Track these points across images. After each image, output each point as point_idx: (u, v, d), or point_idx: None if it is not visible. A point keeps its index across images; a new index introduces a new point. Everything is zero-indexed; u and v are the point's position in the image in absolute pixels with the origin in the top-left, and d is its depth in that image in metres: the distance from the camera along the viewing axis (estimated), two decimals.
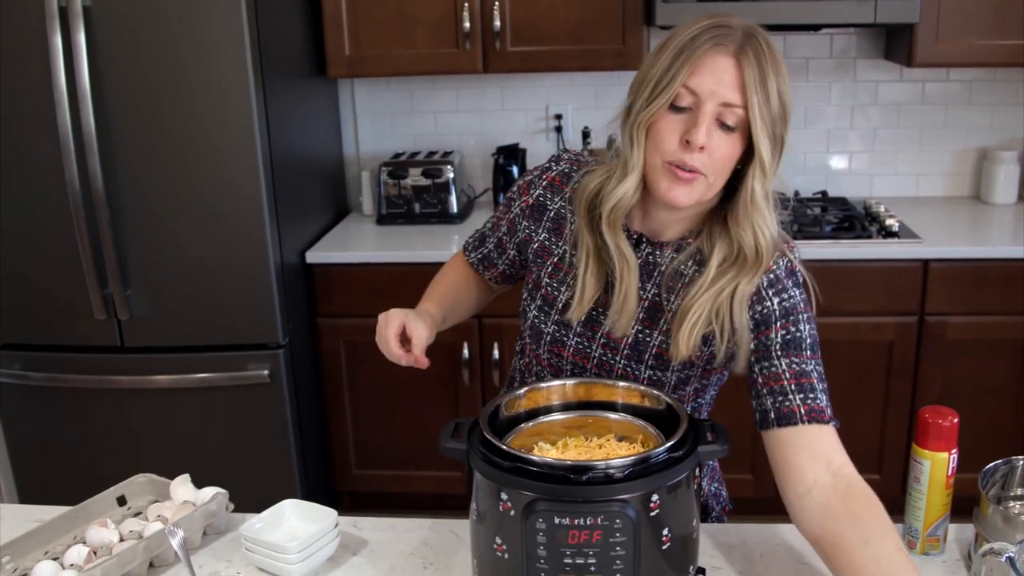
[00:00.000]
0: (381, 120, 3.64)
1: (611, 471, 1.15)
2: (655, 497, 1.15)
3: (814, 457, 1.33)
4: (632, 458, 1.16)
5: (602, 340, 1.52)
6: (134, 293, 2.84)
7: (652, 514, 1.16)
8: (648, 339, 1.49)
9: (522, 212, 1.58)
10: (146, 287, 2.84)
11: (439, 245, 3.14)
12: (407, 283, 3.06)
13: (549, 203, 1.56)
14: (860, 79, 3.47)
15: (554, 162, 1.59)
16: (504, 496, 1.17)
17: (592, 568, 1.15)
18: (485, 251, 1.71)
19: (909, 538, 1.43)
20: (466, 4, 3.09)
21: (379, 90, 3.60)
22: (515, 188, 1.62)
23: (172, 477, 1.59)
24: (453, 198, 3.37)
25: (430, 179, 3.35)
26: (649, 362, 1.50)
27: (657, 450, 1.18)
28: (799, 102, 3.50)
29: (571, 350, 1.54)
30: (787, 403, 1.36)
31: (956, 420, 1.38)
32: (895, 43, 3.26)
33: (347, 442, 3.29)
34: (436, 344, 3.05)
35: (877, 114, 3.51)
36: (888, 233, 3.05)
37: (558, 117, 3.56)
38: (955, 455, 1.38)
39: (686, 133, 1.31)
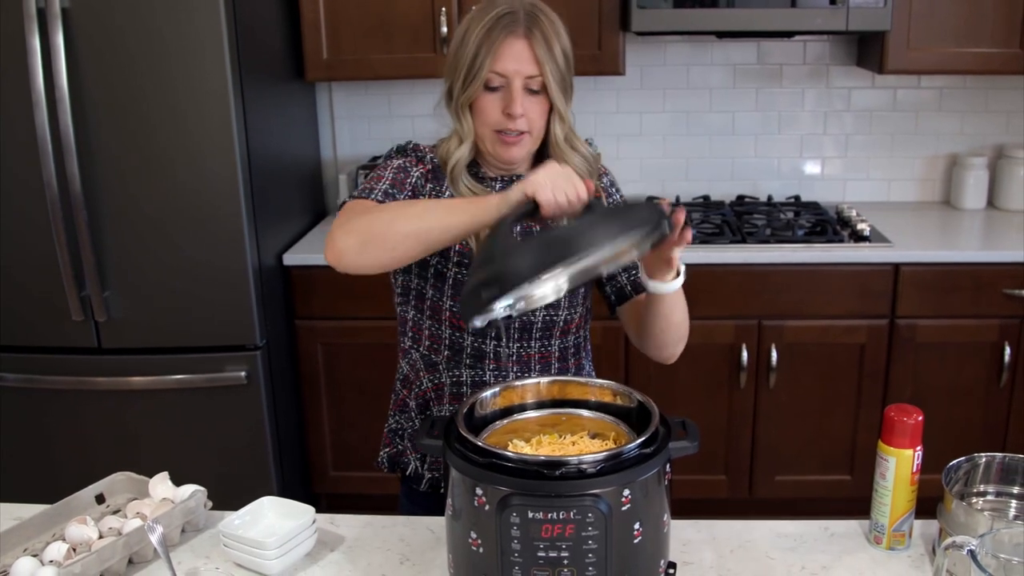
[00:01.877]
0: (359, 124, 3.66)
1: (584, 466, 1.17)
2: (627, 492, 1.18)
3: None
4: (604, 454, 1.19)
5: None
6: (112, 295, 2.84)
7: (624, 509, 1.18)
8: None
9: (423, 177, 1.68)
10: (124, 289, 2.84)
11: None
12: (384, 286, 3.07)
13: (439, 168, 1.69)
14: (833, 86, 3.52)
15: (409, 143, 1.74)
16: (479, 491, 1.19)
17: (565, 561, 1.17)
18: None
19: (875, 533, 1.47)
20: (443, 9, 3.11)
21: (357, 94, 3.61)
22: (396, 160, 1.68)
23: (150, 476, 1.61)
24: None
25: None
26: None
27: (629, 446, 1.20)
28: (773, 108, 3.55)
29: None
30: (637, 276, 1.70)
31: (920, 418, 1.41)
32: (867, 50, 3.31)
33: (324, 444, 3.30)
34: None
35: (850, 120, 3.56)
36: (860, 237, 3.09)
37: None
38: (920, 452, 1.42)
39: (506, 107, 1.59)
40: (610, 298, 1.80)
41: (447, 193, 1.67)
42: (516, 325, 1.70)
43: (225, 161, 2.74)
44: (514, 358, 1.72)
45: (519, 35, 1.57)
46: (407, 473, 1.78)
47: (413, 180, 1.66)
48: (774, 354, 3.06)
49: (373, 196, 1.58)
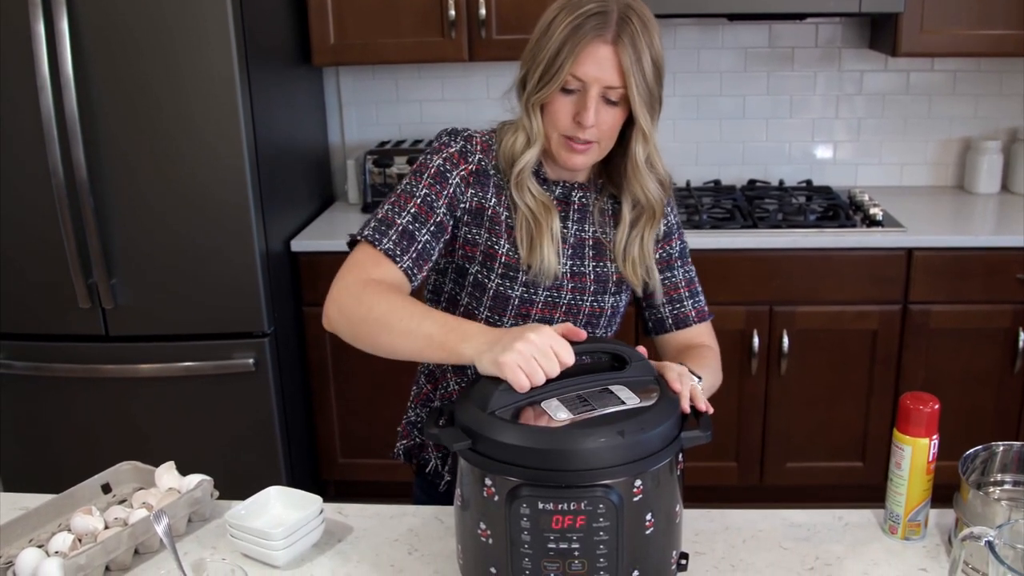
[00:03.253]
0: (366, 109, 3.64)
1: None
2: (638, 483, 1.16)
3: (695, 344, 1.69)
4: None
5: (570, 285, 1.61)
6: (119, 282, 2.83)
7: (635, 500, 1.16)
8: (606, 270, 1.64)
9: (464, 181, 1.56)
10: (131, 276, 2.83)
11: None
12: None
13: (489, 168, 1.59)
14: (845, 69, 3.48)
15: (464, 130, 1.62)
16: (488, 482, 1.17)
17: (576, 553, 1.16)
18: (419, 247, 1.51)
19: (890, 523, 1.45)
20: None
21: (364, 79, 3.59)
22: (436, 160, 1.56)
23: (157, 465, 1.59)
24: None
25: None
26: (612, 289, 1.65)
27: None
28: (784, 91, 3.51)
29: (539, 306, 1.60)
30: (682, 309, 1.69)
31: (937, 406, 1.39)
32: (880, 33, 3.27)
33: (332, 431, 3.29)
34: None
35: (862, 104, 3.52)
36: (872, 222, 3.06)
37: None
38: (936, 441, 1.39)
39: (577, 114, 1.48)
40: (647, 323, 1.74)
41: (491, 201, 1.56)
42: None
43: (232, 147, 2.72)
44: None
45: (606, 40, 1.44)
46: (426, 471, 1.72)
47: (451, 191, 1.54)
48: (785, 340, 3.04)
49: (385, 243, 1.47)
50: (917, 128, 3.53)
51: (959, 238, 2.99)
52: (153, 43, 2.64)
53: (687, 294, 1.70)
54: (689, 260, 1.72)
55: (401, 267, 1.48)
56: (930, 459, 1.40)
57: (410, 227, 1.50)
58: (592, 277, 1.63)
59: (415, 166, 1.58)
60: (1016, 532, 1.22)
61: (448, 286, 1.65)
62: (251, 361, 2.89)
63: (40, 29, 2.58)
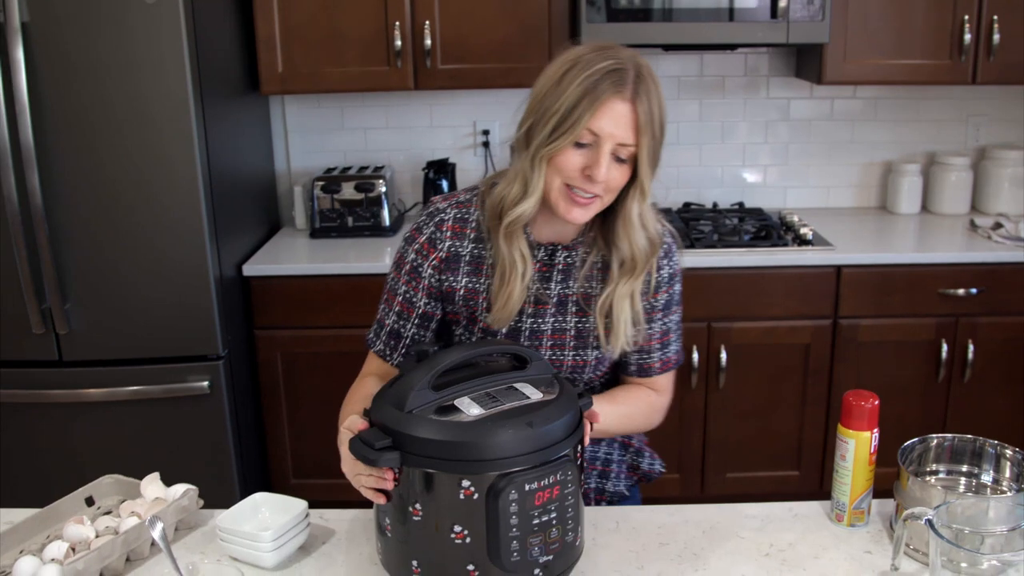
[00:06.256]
0: (311, 136, 3.70)
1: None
2: (578, 448, 1.34)
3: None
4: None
5: (550, 343, 1.67)
6: (73, 307, 2.85)
7: (578, 462, 1.33)
8: (587, 325, 1.67)
9: (436, 269, 1.65)
10: (85, 301, 2.85)
11: (372, 257, 3.21)
12: (342, 294, 3.13)
13: (461, 249, 1.65)
14: (772, 96, 3.66)
15: (437, 213, 1.66)
16: (466, 483, 1.25)
17: (554, 521, 1.28)
18: (406, 342, 1.69)
19: (837, 511, 1.57)
20: (397, 23, 3.18)
21: (310, 107, 3.66)
22: (410, 254, 1.66)
23: None
24: (385, 211, 3.45)
25: (363, 193, 3.43)
26: (593, 343, 1.67)
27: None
28: (715, 118, 3.67)
29: None
30: (648, 360, 1.72)
31: (876, 402, 1.52)
32: (805, 62, 3.45)
33: (284, 452, 3.33)
34: None
35: (789, 130, 3.70)
36: (803, 241, 3.22)
37: (485, 132, 3.66)
38: (876, 434, 1.52)
39: (587, 168, 1.48)
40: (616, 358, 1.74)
41: (463, 281, 1.64)
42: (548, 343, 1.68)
43: (188, 173, 2.78)
44: None
45: (625, 97, 1.45)
46: None
47: (426, 283, 1.64)
48: (723, 355, 3.17)
49: (377, 345, 1.71)
50: (841, 152, 3.72)
51: (884, 255, 3.16)
52: (109, 71, 2.69)
53: (657, 346, 1.71)
54: (673, 310, 1.72)
55: (392, 363, 1.71)
56: (872, 450, 1.53)
57: (395, 326, 1.69)
58: (573, 333, 1.66)
59: (396, 256, 1.70)
60: (951, 512, 1.35)
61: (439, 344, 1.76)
62: (206, 384, 2.92)
63: None
